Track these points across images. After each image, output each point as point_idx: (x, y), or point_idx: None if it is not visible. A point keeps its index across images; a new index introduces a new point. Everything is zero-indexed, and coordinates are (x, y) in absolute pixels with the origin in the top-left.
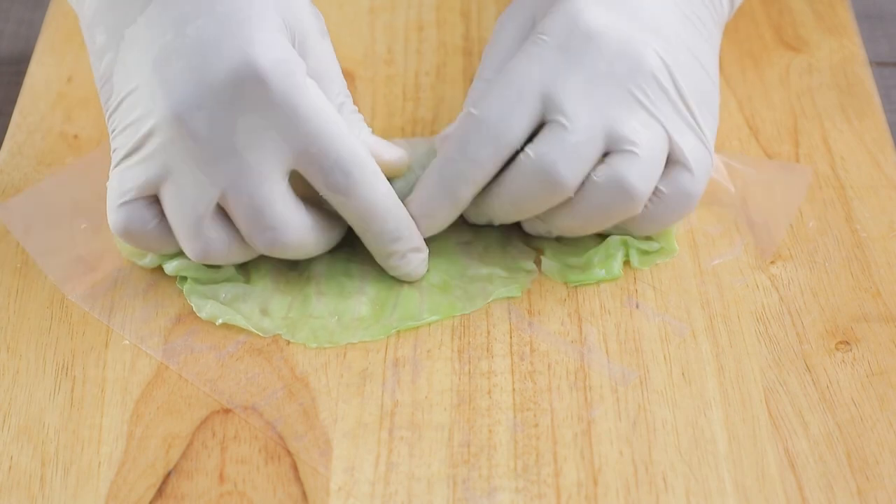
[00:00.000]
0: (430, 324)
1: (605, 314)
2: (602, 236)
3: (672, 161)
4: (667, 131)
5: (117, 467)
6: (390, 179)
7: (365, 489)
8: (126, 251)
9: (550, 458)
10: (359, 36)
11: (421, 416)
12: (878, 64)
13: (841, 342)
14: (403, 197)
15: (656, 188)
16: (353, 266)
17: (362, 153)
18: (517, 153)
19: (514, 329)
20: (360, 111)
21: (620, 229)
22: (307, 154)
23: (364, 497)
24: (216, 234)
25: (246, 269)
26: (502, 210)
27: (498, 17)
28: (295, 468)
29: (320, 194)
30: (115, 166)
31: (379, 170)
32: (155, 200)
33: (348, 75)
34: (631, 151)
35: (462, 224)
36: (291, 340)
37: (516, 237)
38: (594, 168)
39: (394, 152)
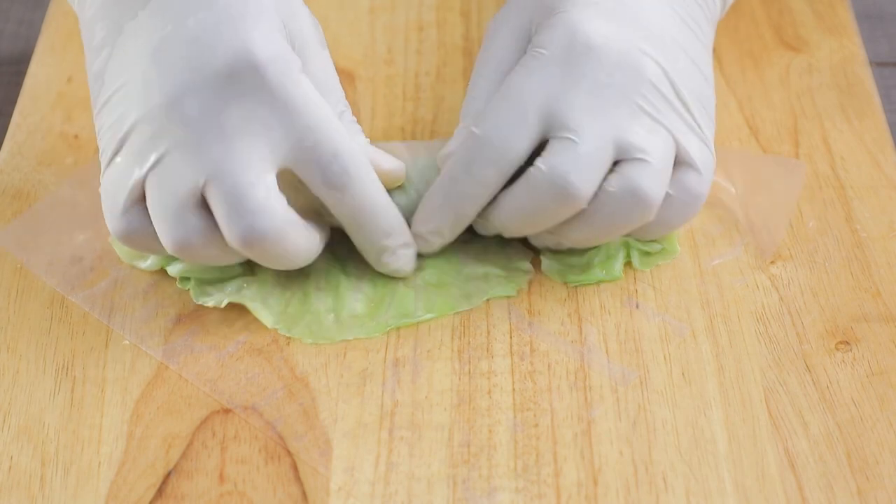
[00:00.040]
0: (426, 322)
1: (605, 314)
2: None
3: (678, 163)
4: (672, 135)
5: (117, 467)
6: (389, 192)
7: (365, 489)
8: (126, 255)
9: (550, 458)
10: (359, 36)
11: (421, 416)
12: (878, 64)
13: (841, 342)
14: (405, 212)
15: (666, 192)
16: (350, 264)
17: (356, 149)
18: (521, 168)
19: (514, 329)
20: (360, 111)
21: (631, 235)
22: (301, 147)
23: (364, 497)
24: (196, 223)
25: (249, 265)
26: (514, 224)
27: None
28: (295, 468)
29: (313, 191)
30: (105, 169)
31: (371, 167)
32: (141, 196)
33: (348, 75)
34: (641, 159)
35: None
36: (288, 335)
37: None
38: (605, 178)
39: (391, 162)
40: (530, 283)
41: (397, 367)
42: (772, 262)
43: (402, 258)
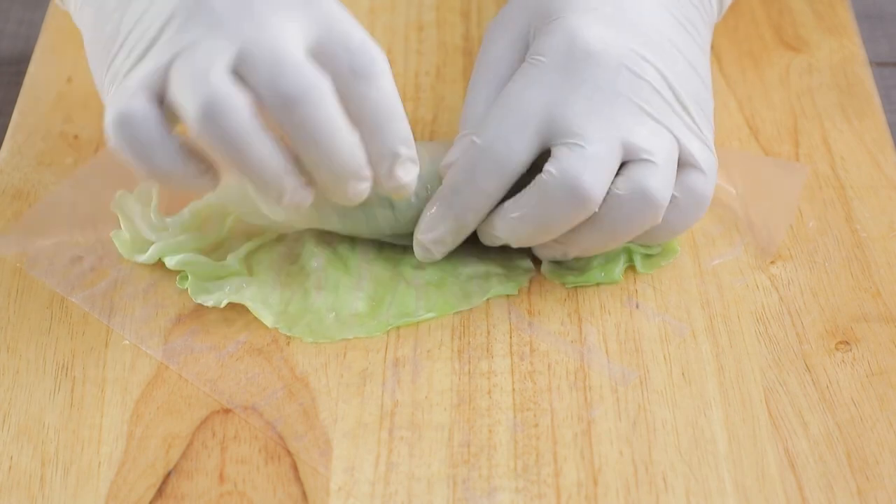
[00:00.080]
0: (426, 322)
1: (605, 314)
2: None
3: (682, 165)
4: (674, 136)
5: (117, 467)
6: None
7: (365, 489)
8: (125, 249)
9: (550, 458)
10: None
11: (421, 416)
12: (878, 64)
13: (841, 342)
14: (407, 217)
15: (673, 193)
16: (351, 262)
17: (383, 51)
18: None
19: (513, 329)
20: None
21: (636, 240)
22: (332, 31)
23: (364, 497)
24: (227, 80)
25: (248, 264)
26: (525, 234)
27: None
28: (295, 468)
29: (335, 84)
30: (122, 80)
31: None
32: (159, 103)
33: None
34: (647, 160)
35: None
36: (288, 334)
37: None
38: (613, 182)
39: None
40: (531, 282)
41: (397, 367)
42: (772, 262)
43: (410, 172)
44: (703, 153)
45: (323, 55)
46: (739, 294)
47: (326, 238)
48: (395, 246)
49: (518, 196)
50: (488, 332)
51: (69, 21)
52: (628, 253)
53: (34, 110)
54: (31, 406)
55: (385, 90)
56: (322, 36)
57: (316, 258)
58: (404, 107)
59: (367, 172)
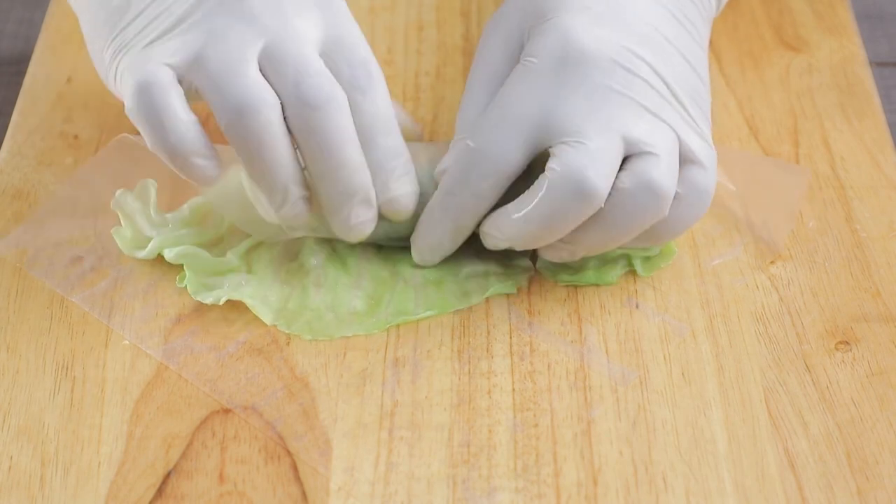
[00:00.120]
0: (426, 322)
1: (605, 314)
2: None
3: (683, 160)
4: (674, 132)
5: (117, 467)
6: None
7: (365, 489)
8: (126, 245)
9: (550, 458)
10: None
11: (421, 416)
12: (878, 64)
13: (841, 342)
14: (402, 225)
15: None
16: (350, 260)
17: (380, 68)
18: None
19: (513, 329)
20: None
21: (642, 241)
22: (339, 41)
23: (364, 497)
24: (258, 77)
25: (247, 262)
26: (531, 234)
27: None
28: (295, 468)
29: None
30: (141, 50)
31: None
32: (177, 77)
33: None
34: (650, 152)
35: None
36: (287, 331)
37: None
38: (617, 177)
39: (408, 121)
40: (530, 282)
41: (397, 367)
42: (771, 263)
43: (405, 186)
44: (702, 148)
45: (328, 59)
46: (739, 294)
47: None
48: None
49: (522, 196)
50: (488, 333)
51: (69, 21)
52: (627, 258)
53: (34, 110)
54: (30, 406)
55: (380, 105)
56: (330, 44)
57: (315, 256)
58: (404, 107)
59: (370, 194)
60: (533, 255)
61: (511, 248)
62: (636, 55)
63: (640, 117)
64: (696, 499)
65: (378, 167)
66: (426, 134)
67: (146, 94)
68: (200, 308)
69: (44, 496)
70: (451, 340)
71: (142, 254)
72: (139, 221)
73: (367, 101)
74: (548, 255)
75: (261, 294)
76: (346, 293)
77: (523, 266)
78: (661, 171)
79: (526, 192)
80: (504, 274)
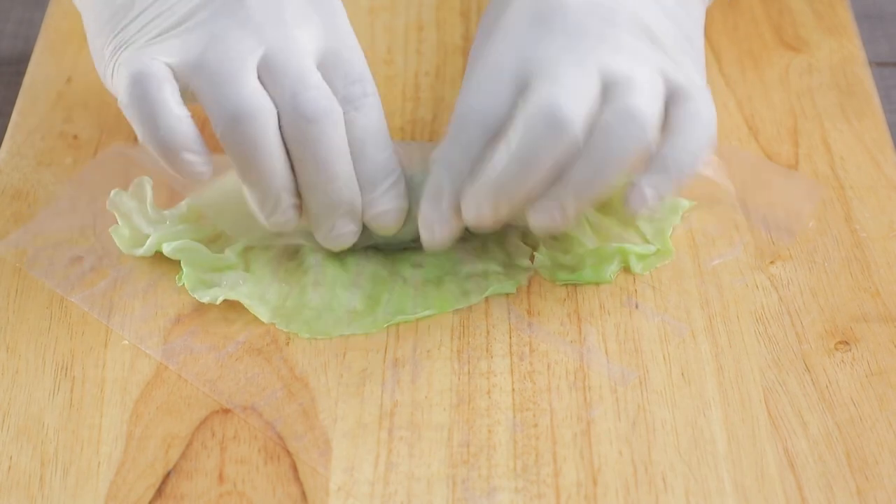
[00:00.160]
0: (426, 322)
1: (605, 314)
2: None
3: (674, 97)
4: (658, 66)
5: (117, 467)
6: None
7: (364, 489)
8: (124, 243)
9: (550, 458)
10: (358, 36)
11: (420, 416)
12: (878, 64)
13: (840, 342)
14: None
15: (671, 120)
16: (349, 259)
17: (375, 84)
18: None
19: (513, 329)
20: None
21: (652, 184)
22: (337, 55)
23: (363, 497)
24: (256, 86)
25: (245, 259)
26: (511, 178)
27: None
28: (294, 468)
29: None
30: (141, 47)
31: (382, 111)
32: (175, 78)
33: None
34: (628, 83)
35: None
36: (285, 329)
37: (513, 234)
38: (597, 114)
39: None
40: (530, 282)
41: (397, 368)
42: (771, 262)
43: (392, 202)
44: (690, 83)
45: (326, 72)
46: (739, 294)
47: None
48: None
49: (499, 143)
50: (488, 333)
51: (69, 21)
52: (623, 254)
53: (34, 110)
54: (30, 406)
55: (373, 120)
56: (328, 57)
57: (314, 254)
58: (404, 107)
59: (356, 208)
60: (532, 254)
61: (495, 218)
62: (617, 2)
63: (618, 53)
64: (696, 499)
65: (367, 181)
66: (426, 134)
67: (139, 87)
68: (200, 308)
69: (43, 496)
70: (450, 340)
71: (140, 251)
72: (136, 220)
73: (361, 116)
74: (537, 220)
75: (258, 292)
76: (344, 292)
77: (523, 266)
78: (640, 97)
79: (502, 137)
80: (503, 274)
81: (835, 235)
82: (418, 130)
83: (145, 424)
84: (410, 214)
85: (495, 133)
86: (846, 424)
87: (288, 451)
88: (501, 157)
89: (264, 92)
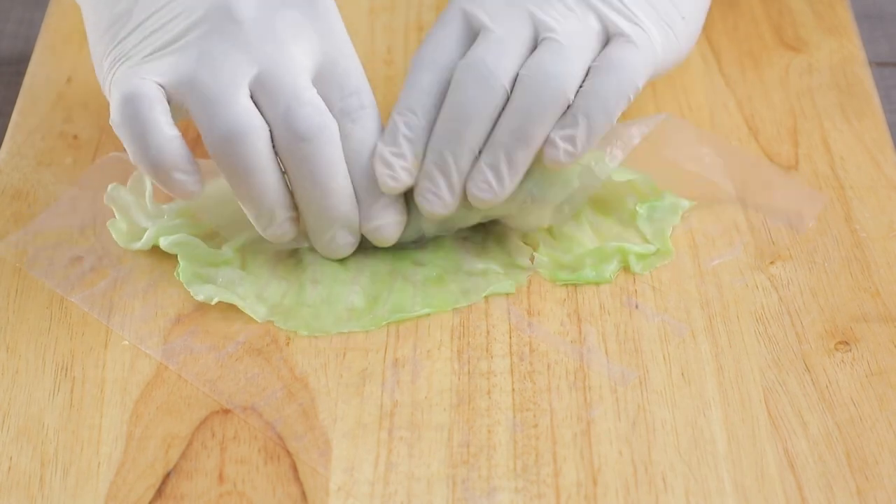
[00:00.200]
0: (426, 322)
1: (605, 314)
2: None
3: (611, 36)
4: (597, 13)
5: (117, 468)
6: None
7: (364, 489)
8: (122, 237)
9: (550, 458)
10: (359, 36)
11: (420, 417)
12: (878, 64)
13: (840, 342)
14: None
15: (592, 68)
16: (349, 256)
17: (373, 95)
18: None
19: (513, 329)
20: None
21: (576, 123)
22: (333, 67)
23: (363, 497)
24: (249, 105)
25: (242, 255)
26: (451, 133)
27: None
28: (294, 468)
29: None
30: (138, 63)
31: (379, 119)
32: (165, 95)
33: None
34: (552, 39)
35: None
36: (283, 327)
37: (513, 233)
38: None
39: None
40: (530, 282)
41: (397, 368)
42: (771, 263)
43: (389, 216)
44: (631, 28)
45: (321, 85)
46: (739, 294)
47: None
48: None
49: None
50: (488, 333)
51: (69, 21)
52: (622, 254)
53: (34, 110)
54: (30, 406)
55: (370, 133)
56: (324, 70)
57: (312, 252)
58: None
59: (353, 222)
60: (533, 257)
61: (449, 181)
62: None
63: (552, 4)
64: (696, 499)
65: (365, 194)
66: None
67: (130, 107)
68: (200, 308)
69: (43, 496)
70: (450, 341)
71: (138, 245)
72: (134, 214)
73: (358, 129)
74: (473, 186)
75: (256, 290)
76: (343, 289)
77: (523, 266)
78: (559, 59)
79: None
80: (503, 273)
81: (835, 235)
82: None
83: (145, 424)
84: (411, 215)
85: (442, 68)
86: (846, 424)
87: (288, 451)
88: (442, 109)
89: (255, 111)
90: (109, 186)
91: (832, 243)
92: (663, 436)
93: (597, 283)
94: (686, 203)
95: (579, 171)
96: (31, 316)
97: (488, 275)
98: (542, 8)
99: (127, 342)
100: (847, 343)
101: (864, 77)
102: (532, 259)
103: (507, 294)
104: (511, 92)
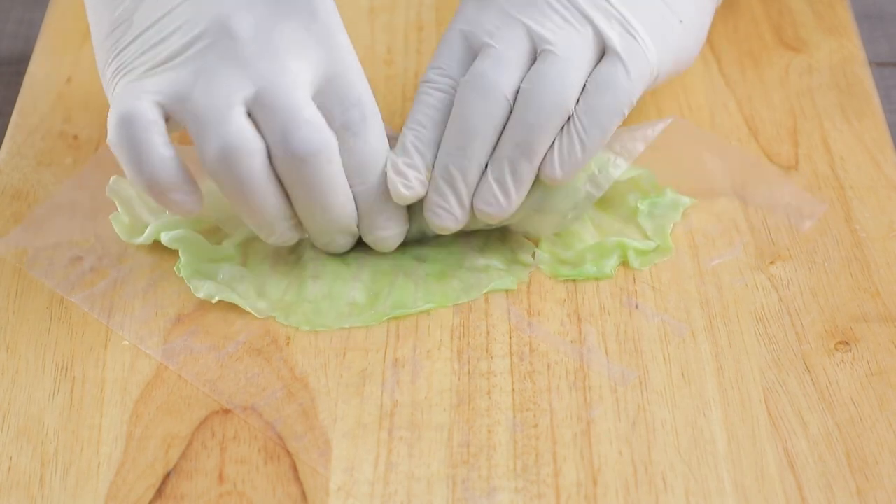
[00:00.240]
0: (426, 322)
1: (605, 314)
2: (599, 235)
3: (605, 52)
4: (592, 24)
5: (117, 468)
6: None
7: (364, 489)
8: (124, 231)
9: (550, 458)
10: (358, 36)
11: (420, 417)
12: (877, 64)
13: (840, 342)
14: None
15: (588, 84)
16: (349, 252)
17: (376, 107)
18: None
19: (513, 329)
20: None
21: (573, 136)
22: (335, 80)
23: (363, 497)
24: (244, 124)
25: (243, 251)
26: (454, 147)
27: None
28: (294, 468)
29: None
30: (137, 78)
31: (383, 130)
32: (163, 112)
33: None
34: (550, 51)
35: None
36: (284, 323)
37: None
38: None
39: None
40: (530, 282)
41: (397, 368)
42: (771, 263)
43: (392, 228)
44: (622, 38)
45: (322, 100)
46: (739, 294)
47: None
48: None
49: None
50: (488, 333)
51: (69, 21)
52: (622, 248)
53: (34, 110)
54: (30, 406)
55: (372, 144)
56: (326, 83)
57: (313, 248)
58: (404, 107)
59: (353, 228)
60: (534, 250)
61: (457, 192)
62: None
63: (548, 17)
64: (696, 499)
65: (367, 207)
66: None
67: (126, 128)
68: (200, 308)
69: (43, 496)
70: (450, 341)
71: (139, 239)
72: (137, 208)
73: (360, 143)
74: (479, 202)
75: (256, 286)
76: (344, 285)
77: (525, 263)
78: (556, 73)
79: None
80: (505, 269)
81: (835, 235)
82: None
83: (145, 425)
84: (413, 215)
85: (445, 84)
86: (846, 424)
87: (288, 451)
88: (448, 124)
89: (251, 129)
90: (111, 179)
91: (832, 243)
92: (663, 436)
93: (597, 279)
94: (687, 200)
95: (584, 179)
96: (31, 316)
97: (490, 271)
98: (538, 21)
99: (127, 342)
100: (847, 343)
101: (864, 77)
102: (534, 255)
103: (508, 294)
104: (513, 105)
